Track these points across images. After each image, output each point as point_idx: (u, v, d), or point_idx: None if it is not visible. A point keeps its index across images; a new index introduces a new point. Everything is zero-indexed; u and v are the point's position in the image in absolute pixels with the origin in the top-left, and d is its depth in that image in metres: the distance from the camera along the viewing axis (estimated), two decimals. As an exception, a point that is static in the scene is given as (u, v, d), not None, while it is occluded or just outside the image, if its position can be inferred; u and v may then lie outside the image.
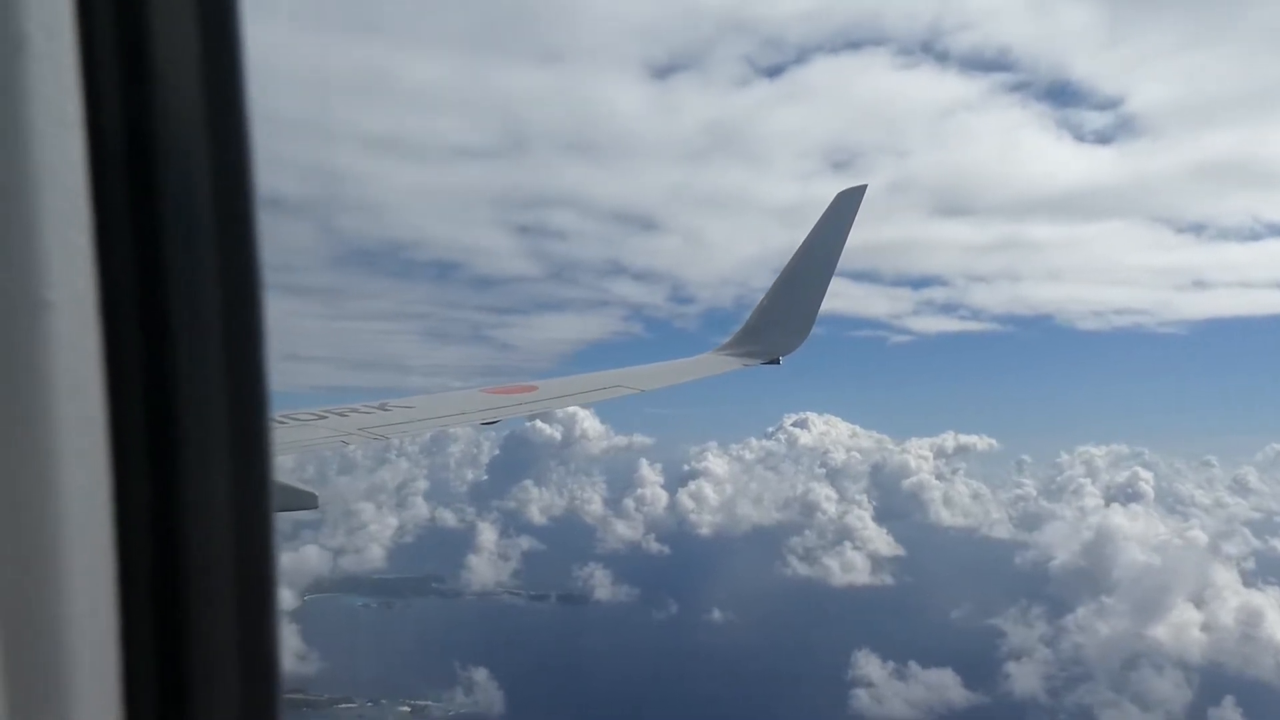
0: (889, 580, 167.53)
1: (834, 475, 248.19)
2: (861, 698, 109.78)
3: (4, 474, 1.09)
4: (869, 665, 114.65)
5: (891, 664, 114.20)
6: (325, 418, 8.30)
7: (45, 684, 1.11)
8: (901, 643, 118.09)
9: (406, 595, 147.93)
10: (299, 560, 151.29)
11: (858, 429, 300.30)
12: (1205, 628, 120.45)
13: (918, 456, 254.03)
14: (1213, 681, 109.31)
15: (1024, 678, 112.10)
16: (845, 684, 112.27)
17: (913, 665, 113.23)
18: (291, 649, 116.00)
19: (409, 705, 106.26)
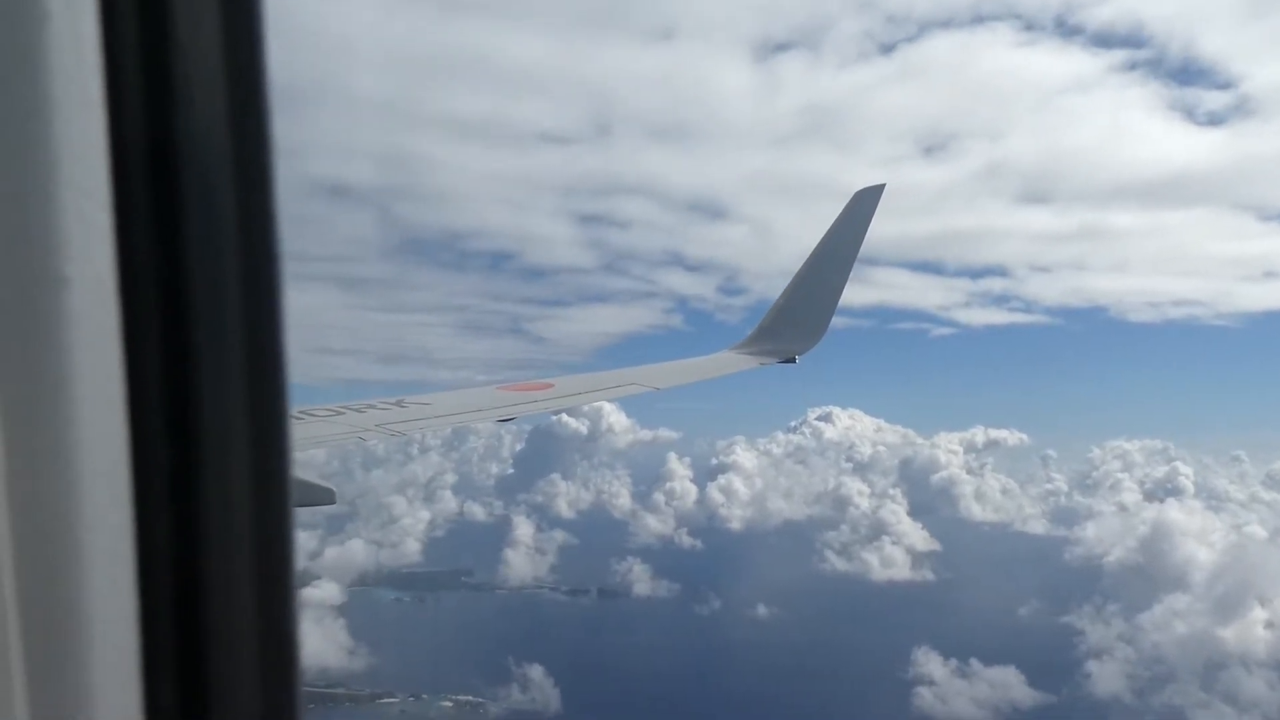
0: (929, 576, 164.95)
1: (861, 470, 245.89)
2: (925, 696, 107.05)
3: (23, 454, 1.08)
4: (929, 663, 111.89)
5: (954, 662, 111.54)
6: (343, 414, 8.35)
7: (66, 678, 1.10)
8: (959, 640, 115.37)
9: (437, 589, 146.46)
10: (344, 554, 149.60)
11: (883, 423, 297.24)
12: (1269, 625, 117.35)
13: (948, 451, 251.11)
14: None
15: (1105, 677, 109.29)
16: (907, 682, 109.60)
17: (975, 663, 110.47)
18: (339, 643, 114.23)
19: (452, 700, 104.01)
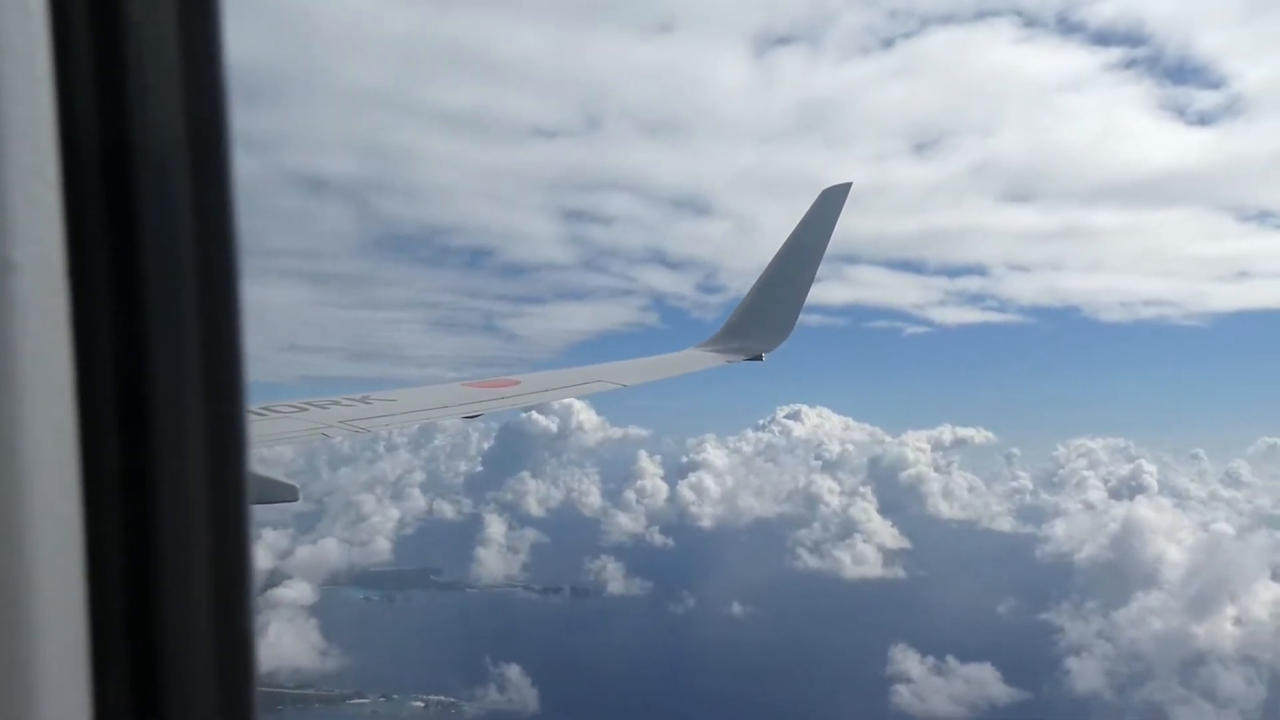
0: (901, 573, 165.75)
1: (830, 468, 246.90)
2: (903, 694, 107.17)
3: None
4: (907, 660, 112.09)
5: (931, 659, 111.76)
6: (306, 410, 8.27)
7: (12, 677, 1.06)
8: (935, 637, 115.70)
9: (406, 588, 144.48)
10: (316, 553, 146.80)
11: (850, 421, 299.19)
12: (1241, 622, 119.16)
13: (915, 449, 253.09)
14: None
15: (1084, 674, 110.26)
16: (884, 680, 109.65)
17: (951, 660, 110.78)
18: (310, 643, 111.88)
19: (423, 700, 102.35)
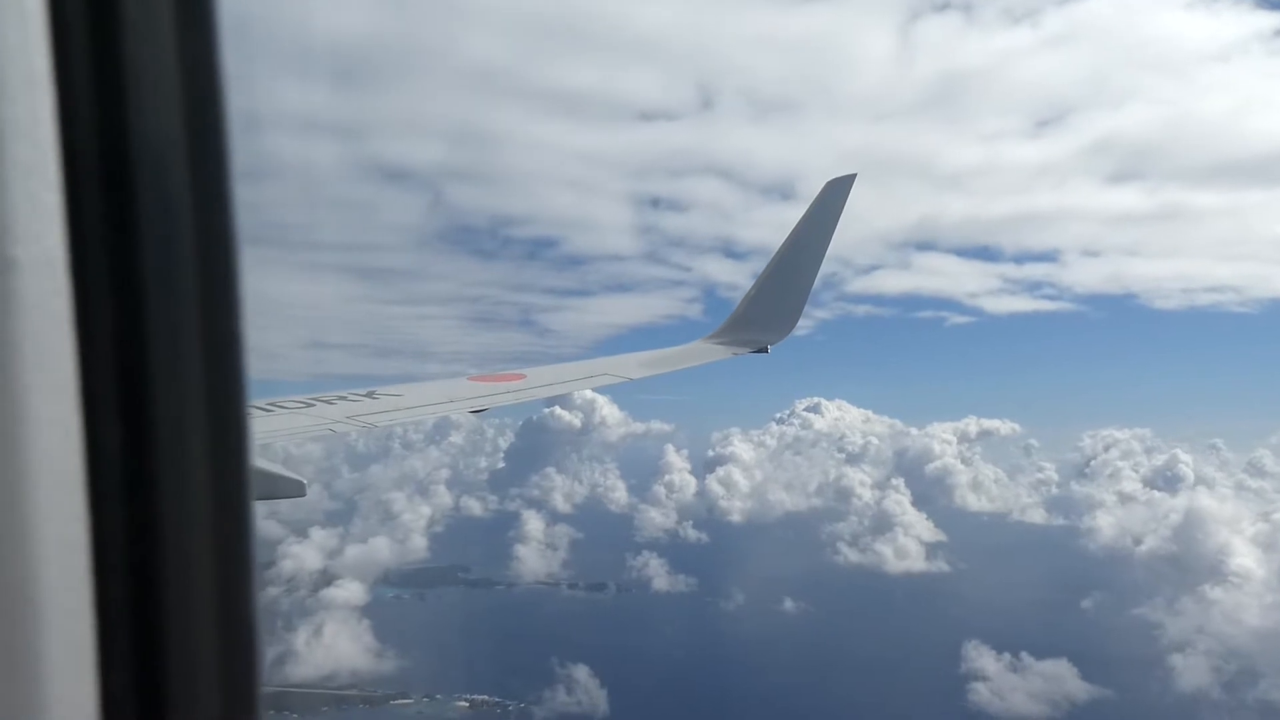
0: (945, 567, 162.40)
1: (854, 460, 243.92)
2: (981, 692, 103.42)
3: None
4: (981, 658, 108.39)
5: (1007, 656, 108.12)
6: (313, 405, 8.32)
7: (19, 672, 1.07)
8: (1005, 633, 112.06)
9: (436, 586, 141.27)
10: (369, 551, 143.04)
11: (870, 414, 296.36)
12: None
13: (941, 441, 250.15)
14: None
15: (1187, 671, 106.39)
16: (960, 677, 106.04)
17: (1026, 657, 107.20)
18: (364, 644, 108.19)
19: (467, 700, 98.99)
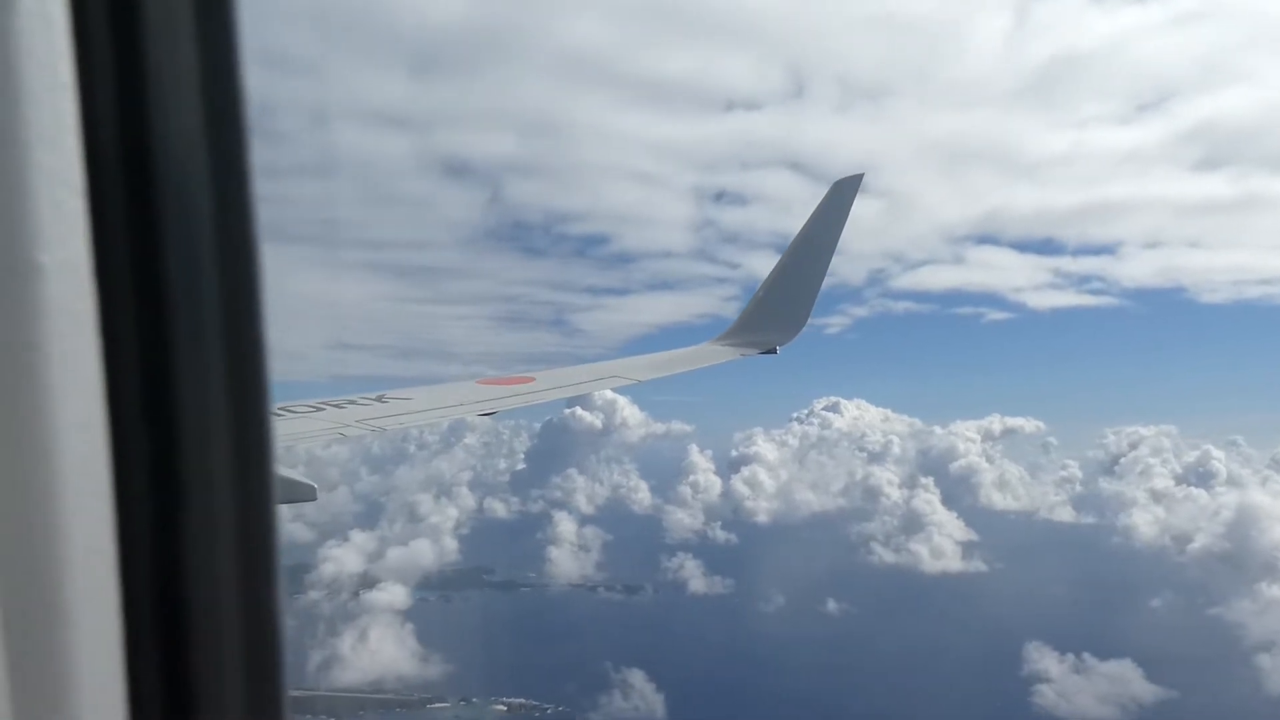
0: (982, 566, 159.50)
1: (876, 460, 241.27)
2: (1046, 694, 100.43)
3: None
4: (1044, 659, 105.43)
5: (1070, 657, 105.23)
6: (323, 409, 8.39)
7: (48, 672, 1.08)
8: (1061, 634, 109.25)
9: (462, 588, 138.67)
10: (410, 554, 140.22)
11: (889, 413, 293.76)
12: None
13: (965, 439, 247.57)
14: None
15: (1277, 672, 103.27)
16: (1022, 679, 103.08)
17: (1088, 658, 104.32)
18: (408, 649, 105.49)
19: (505, 704, 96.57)
